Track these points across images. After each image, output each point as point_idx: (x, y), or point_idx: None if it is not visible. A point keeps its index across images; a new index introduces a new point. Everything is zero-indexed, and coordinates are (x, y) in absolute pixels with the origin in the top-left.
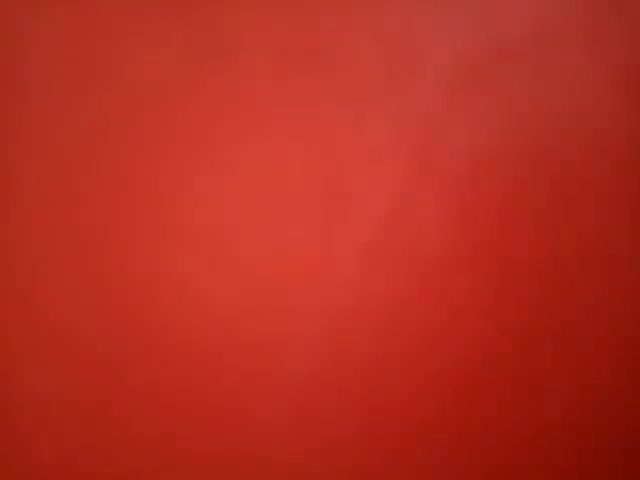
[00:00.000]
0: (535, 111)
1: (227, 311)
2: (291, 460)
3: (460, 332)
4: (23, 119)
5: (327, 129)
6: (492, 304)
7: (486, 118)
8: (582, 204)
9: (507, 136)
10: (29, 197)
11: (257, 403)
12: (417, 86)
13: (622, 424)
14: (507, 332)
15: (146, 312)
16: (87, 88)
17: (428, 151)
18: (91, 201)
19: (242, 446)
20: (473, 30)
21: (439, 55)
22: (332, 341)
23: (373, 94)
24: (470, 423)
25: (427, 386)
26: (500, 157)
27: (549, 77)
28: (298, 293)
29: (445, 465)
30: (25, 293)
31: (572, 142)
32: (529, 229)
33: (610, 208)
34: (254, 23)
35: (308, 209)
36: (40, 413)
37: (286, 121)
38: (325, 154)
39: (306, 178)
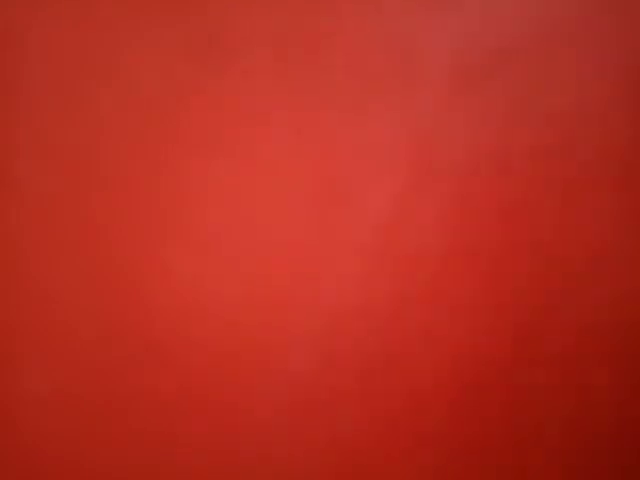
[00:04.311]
0: (536, 111)
1: (227, 310)
2: (291, 458)
3: (460, 332)
4: (22, 119)
5: (327, 129)
6: (492, 304)
7: (486, 118)
8: (583, 204)
9: (507, 136)
10: (29, 197)
11: (257, 402)
12: (417, 86)
13: (622, 424)
14: (507, 332)
15: (147, 311)
16: (86, 88)
17: (428, 151)
18: (91, 201)
19: (242, 444)
20: (474, 30)
21: (439, 55)
22: (332, 341)
23: (373, 94)
24: (469, 423)
25: (427, 386)
26: (501, 157)
27: (550, 77)
28: (298, 293)
29: (444, 464)
30: (26, 292)
31: (573, 142)
32: (530, 230)
33: (612, 207)
34: (254, 24)
35: (308, 209)
36: (42, 412)
37: (286, 121)
38: (325, 154)
39: (306, 178)
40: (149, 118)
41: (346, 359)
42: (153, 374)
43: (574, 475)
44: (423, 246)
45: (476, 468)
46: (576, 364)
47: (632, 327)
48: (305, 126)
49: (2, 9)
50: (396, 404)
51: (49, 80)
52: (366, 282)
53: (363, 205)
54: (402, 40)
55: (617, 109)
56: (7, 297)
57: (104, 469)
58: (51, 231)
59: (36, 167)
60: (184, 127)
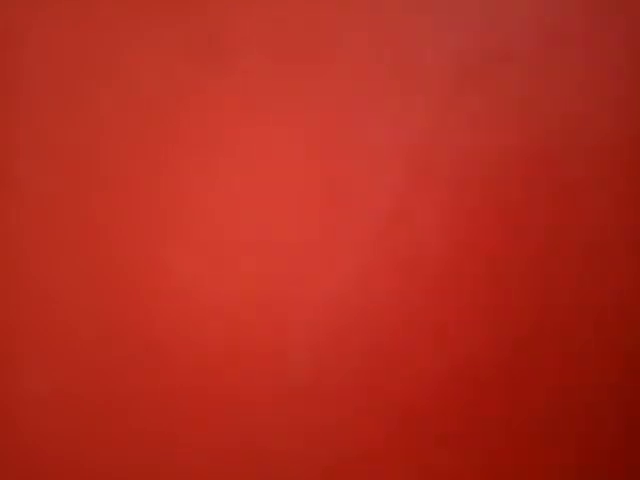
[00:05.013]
0: (535, 111)
1: (227, 310)
2: (291, 458)
3: (460, 331)
4: (22, 119)
5: (327, 129)
6: (492, 303)
7: (486, 118)
8: (583, 205)
9: (507, 136)
10: (29, 197)
11: (258, 401)
12: (417, 86)
13: (624, 423)
14: (508, 331)
15: (147, 311)
16: (86, 88)
17: (428, 151)
18: (91, 201)
19: (242, 444)
20: (473, 30)
21: (439, 55)
22: (332, 341)
23: (373, 94)
24: (470, 422)
25: (427, 385)
26: (500, 157)
27: (549, 77)
28: (298, 293)
29: (444, 462)
30: (26, 292)
31: (573, 142)
32: (530, 229)
33: (611, 209)
34: (254, 24)
35: (308, 209)
36: (42, 412)
37: (285, 121)
38: (325, 154)
39: (306, 178)
40: (149, 118)
41: (346, 359)
42: (153, 374)
43: (574, 474)
44: (423, 246)
45: (477, 467)
46: (577, 364)
47: (633, 325)
48: (305, 126)
49: (2, 9)
50: (396, 404)
51: (49, 80)
52: (366, 282)
53: (363, 205)
54: (402, 41)
55: (617, 109)
56: (7, 297)
57: (104, 469)
58: (51, 231)
59: (36, 167)
60: (184, 127)
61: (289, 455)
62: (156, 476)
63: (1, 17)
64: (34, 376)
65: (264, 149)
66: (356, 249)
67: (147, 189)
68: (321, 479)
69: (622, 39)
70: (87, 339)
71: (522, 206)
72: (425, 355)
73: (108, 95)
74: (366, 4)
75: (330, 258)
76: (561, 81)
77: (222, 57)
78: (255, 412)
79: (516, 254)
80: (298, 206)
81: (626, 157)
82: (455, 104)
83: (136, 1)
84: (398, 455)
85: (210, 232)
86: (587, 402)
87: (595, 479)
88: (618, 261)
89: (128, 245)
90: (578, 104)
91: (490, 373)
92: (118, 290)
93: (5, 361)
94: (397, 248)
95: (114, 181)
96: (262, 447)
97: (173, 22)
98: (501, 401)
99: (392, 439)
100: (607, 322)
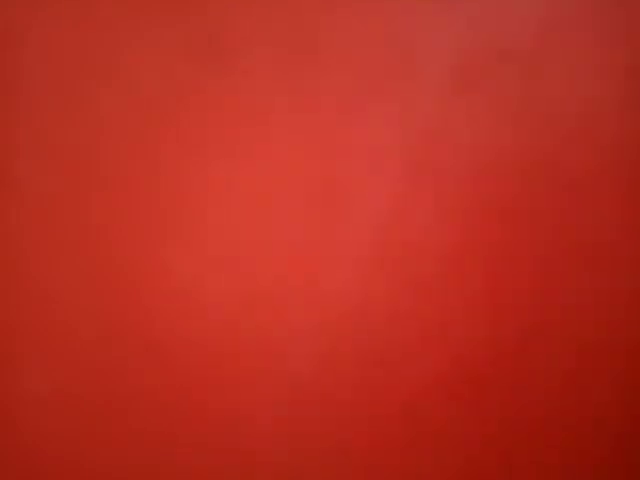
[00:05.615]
0: (535, 111)
1: (227, 311)
2: (290, 457)
3: (459, 333)
4: (22, 119)
5: (327, 129)
6: (492, 303)
7: (486, 118)
8: (582, 204)
9: (507, 136)
10: (29, 197)
11: (257, 401)
12: (417, 86)
13: (622, 423)
14: (507, 332)
15: (147, 311)
16: (86, 88)
17: (427, 151)
18: (91, 201)
19: (242, 443)
20: (473, 30)
21: (439, 55)
22: (331, 340)
23: (373, 94)
24: (467, 422)
25: (426, 385)
26: (500, 157)
27: (549, 77)
28: (297, 293)
29: (442, 462)
30: (26, 292)
31: (572, 142)
32: (529, 229)
33: (610, 207)
34: (254, 24)
35: (308, 209)
36: (42, 412)
37: (285, 121)
38: (324, 154)
39: (306, 178)
40: (149, 118)
41: (345, 358)
42: (153, 374)
43: (575, 474)
44: (422, 246)
45: (477, 466)
46: (577, 363)
47: (633, 325)
48: (305, 126)
49: (2, 9)
50: (395, 403)
51: (49, 80)
52: (365, 282)
53: (362, 205)
54: (402, 40)
55: (617, 109)
56: (7, 297)
57: (104, 469)
58: (51, 231)
59: (36, 167)
60: (184, 127)
61: (289, 454)
62: (156, 476)
63: (1, 17)
64: (34, 376)
65: (264, 149)
66: (355, 249)
67: (147, 189)
68: (320, 478)
69: (622, 38)
70: (87, 339)
71: (521, 205)
72: (425, 354)
73: (108, 95)
74: (366, 6)
75: (329, 258)
76: (560, 80)
77: (222, 57)
78: (255, 412)
79: (516, 253)
80: (297, 206)
81: (625, 156)
82: (456, 103)
83: (136, 1)
84: (398, 455)
85: (210, 232)
86: (587, 401)
87: (595, 479)
88: (618, 260)
89: (128, 245)
90: (577, 103)
91: (490, 373)
92: (118, 290)
93: (5, 361)
94: (396, 248)
95: (114, 181)
96: (262, 447)
97: (173, 22)
98: (501, 401)
99: (392, 439)
100: (607, 322)
